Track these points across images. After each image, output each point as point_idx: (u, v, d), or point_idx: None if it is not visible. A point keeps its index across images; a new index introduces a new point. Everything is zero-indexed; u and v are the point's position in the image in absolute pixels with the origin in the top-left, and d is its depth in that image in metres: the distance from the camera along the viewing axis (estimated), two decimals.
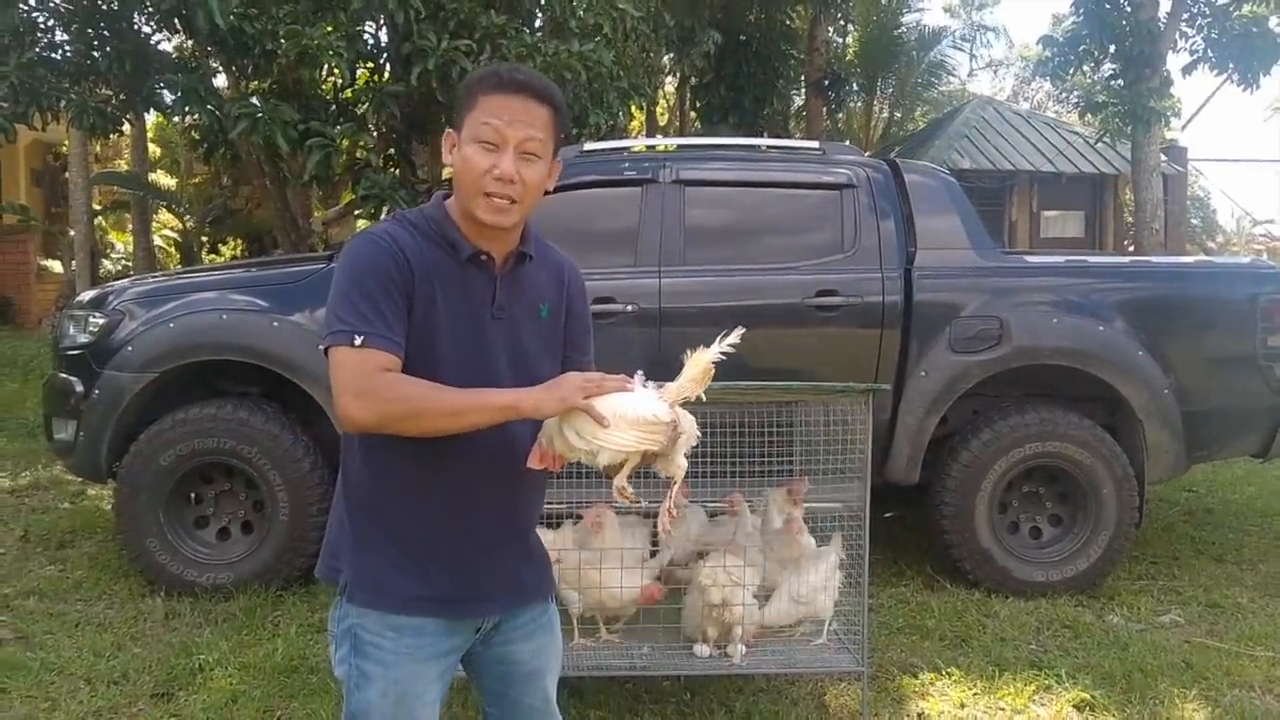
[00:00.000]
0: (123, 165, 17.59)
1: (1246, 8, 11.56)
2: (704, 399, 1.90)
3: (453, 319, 1.96)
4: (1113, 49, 11.70)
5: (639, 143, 5.74)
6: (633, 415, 1.82)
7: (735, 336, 1.89)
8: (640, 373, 1.94)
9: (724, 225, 5.26)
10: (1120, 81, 11.87)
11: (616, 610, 3.72)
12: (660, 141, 5.96)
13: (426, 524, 2.01)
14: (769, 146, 5.96)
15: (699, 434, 1.94)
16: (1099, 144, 15.14)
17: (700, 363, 1.86)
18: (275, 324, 4.91)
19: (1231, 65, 11.47)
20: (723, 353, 1.87)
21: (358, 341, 1.85)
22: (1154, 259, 7.01)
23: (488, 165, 1.92)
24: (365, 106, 7.23)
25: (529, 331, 2.06)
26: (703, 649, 3.64)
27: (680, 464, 1.90)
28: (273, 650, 4.20)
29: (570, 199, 5.07)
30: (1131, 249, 16.31)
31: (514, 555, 2.12)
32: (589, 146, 5.52)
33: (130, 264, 15.38)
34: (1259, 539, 6.16)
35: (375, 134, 7.32)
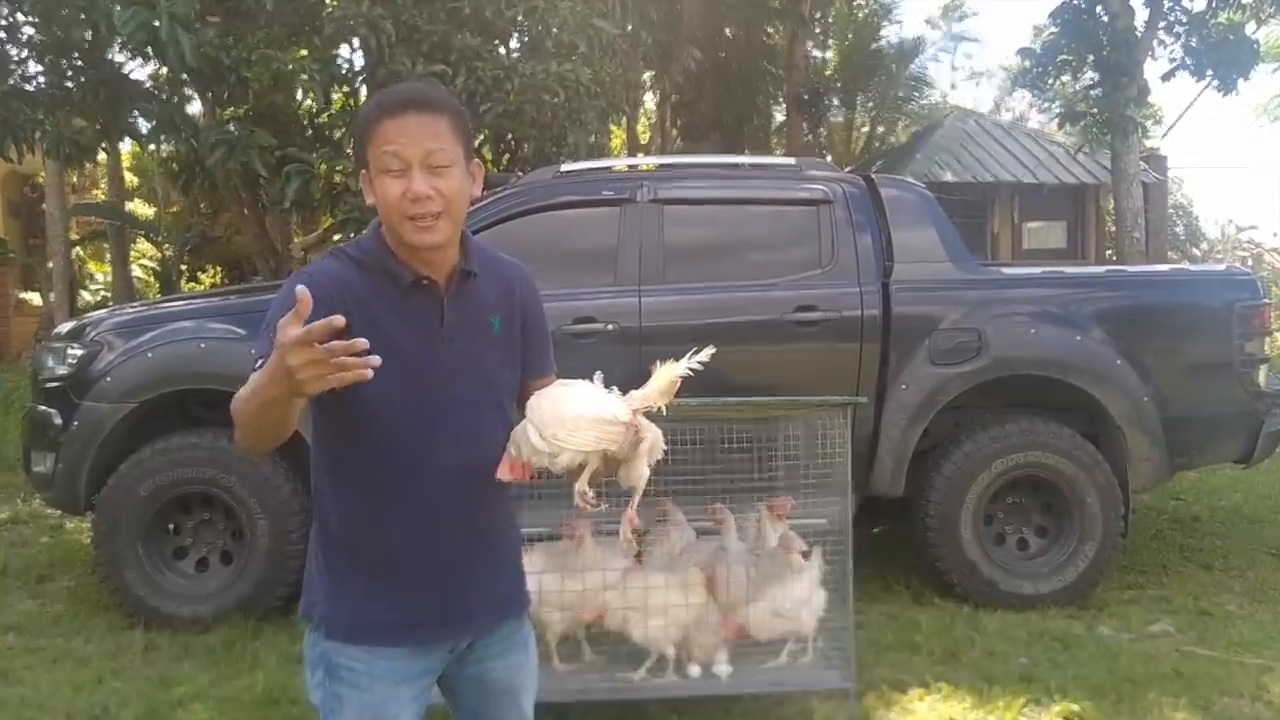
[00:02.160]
0: (100, 195, 17.55)
1: (1223, 14, 11.64)
2: (664, 411, 1.88)
3: (402, 347, 1.93)
4: (1091, 58, 11.77)
5: (617, 162, 5.75)
6: (592, 414, 1.82)
7: (705, 354, 1.86)
8: (599, 374, 1.93)
9: (703, 243, 5.26)
10: (1099, 91, 11.93)
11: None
12: (638, 161, 5.96)
13: (400, 551, 2.00)
14: (746, 164, 5.97)
15: (665, 447, 1.93)
16: (1080, 154, 15.24)
17: (667, 375, 1.85)
18: (253, 352, 4.86)
19: (1210, 71, 11.54)
20: (691, 369, 1.85)
21: (258, 365, 1.79)
22: (1129, 268, 7.05)
23: (400, 191, 1.88)
24: (342, 131, 7.21)
25: (483, 348, 2.04)
26: (694, 669, 3.63)
27: (642, 473, 1.89)
28: (253, 682, 4.16)
29: (549, 219, 5.09)
30: (1113, 258, 16.41)
31: (492, 570, 2.10)
32: (566, 167, 5.52)
33: (109, 294, 15.32)
34: (1247, 546, 6.16)
35: (353, 158, 7.30)
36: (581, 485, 1.86)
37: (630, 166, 5.94)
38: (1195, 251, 28.24)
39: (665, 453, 1.94)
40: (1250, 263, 27.24)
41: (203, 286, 17.36)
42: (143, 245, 17.76)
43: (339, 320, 1.58)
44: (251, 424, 1.75)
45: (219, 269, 17.19)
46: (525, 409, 1.93)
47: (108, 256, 15.91)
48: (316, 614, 2.02)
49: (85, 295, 16.32)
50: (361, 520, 2.00)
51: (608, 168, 5.94)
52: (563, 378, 2.10)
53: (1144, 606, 5.09)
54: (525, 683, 2.21)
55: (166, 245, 16.10)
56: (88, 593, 5.27)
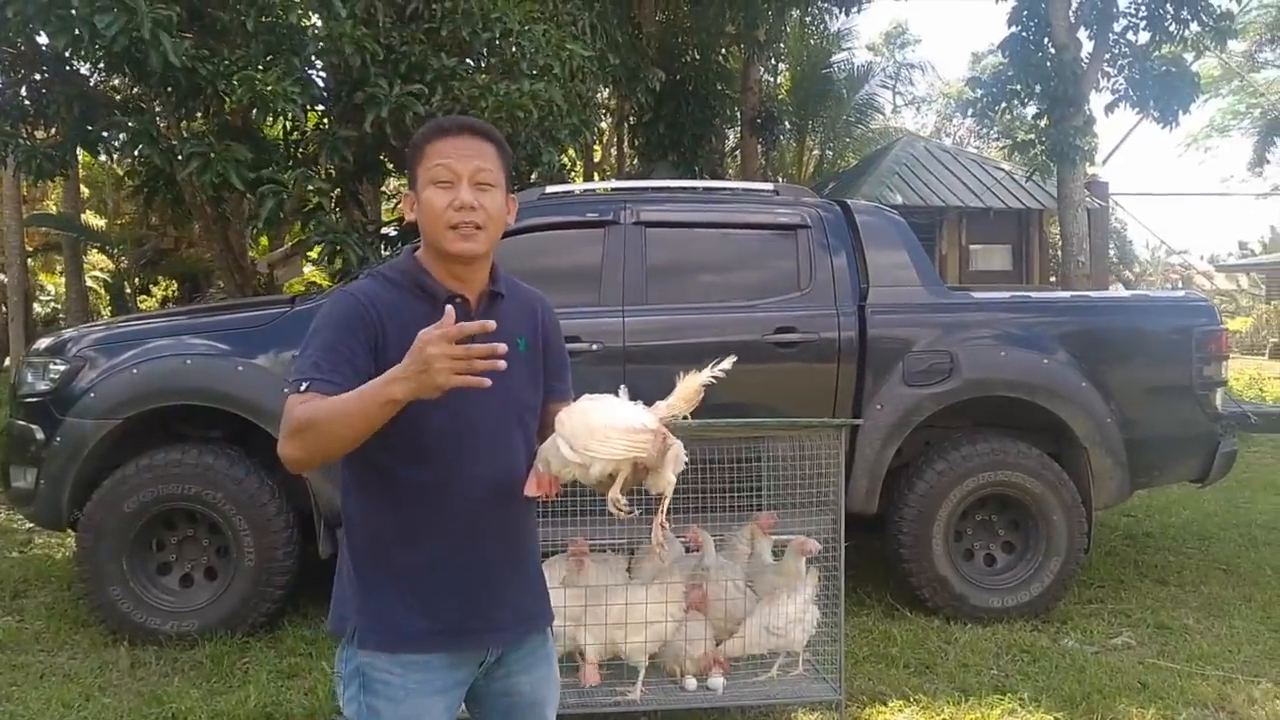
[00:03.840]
0: (51, 206, 17.28)
1: (1166, 48, 12.01)
2: (688, 417, 1.95)
3: None
4: (1038, 89, 12.09)
5: (602, 185, 5.84)
6: (622, 424, 1.90)
7: (727, 363, 1.94)
8: (624, 389, 2.02)
9: (685, 265, 5.36)
10: (1045, 120, 12.26)
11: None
12: (622, 184, 6.05)
13: (430, 560, 2.06)
14: (726, 188, 6.10)
15: (686, 458, 2.01)
16: (1026, 180, 15.60)
17: (691, 384, 1.93)
18: (240, 368, 4.90)
19: (1151, 104, 11.90)
20: (714, 377, 1.93)
21: (303, 388, 1.93)
22: (1093, 294, 7.27)
23: (447, 200, 2.03)
24: (316, 150, 7.23)
25: (509, 366, 2.05)
26: (690, 681, 3.71)
27: (669, 479, 1.97)
28: (245, 697, 4.18)
29: (534, 240, 5.16)
30: (1055, 281, 16.81)
31: (517, 583, 2.18)
32: (550, 189, 5.60)
33: (60, 307, 15.07)
34: (1199, 561, 6.39)
35: (326, 177, 7.32)
36: (614, 494, 1.94)
37: (619, 189, 6.00)
38: (1128, 274, 29.03)
39: None
40: (1180, 284, 28.10)
41: (155, 299, 17.14)
42: (94, 257, 17.49)
43: (490, 324, 1.77)
44: (339, 432, 1.85)
45: (173, 282, 16.98)
46: (554, 424, 1.99)
47: (58, 268, 15.65)
48: (349, 627, 2.08)
49: (36, 307, 16.04)
50: (391, 532, 2.07)
51: (592, 190, 6.04)
52: None
53: (1105, 620, 5.27)
54: (549, 696, 2.28)
55: (121, 258, 15.87)
56: (66, 608, 5.25)
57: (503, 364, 1.77)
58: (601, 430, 1.89)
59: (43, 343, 5.39)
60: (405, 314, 2.03)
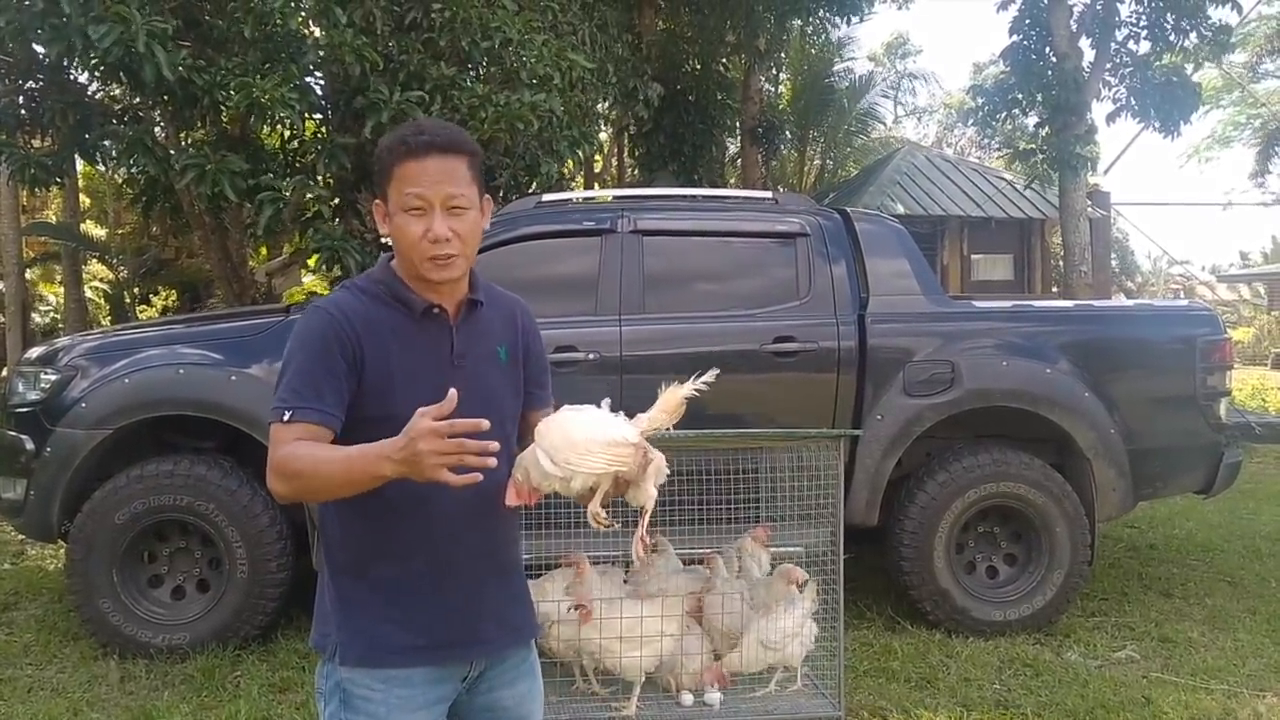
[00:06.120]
0: (50, 216, 17.24)
1: (1167, 58, 11.96)
2: (671, 430, 1.93)
3: (413, 373, 2.00)
4: (1039, 97, 12.04)
5: (600, 193, 5.80)
6: (602, 438, 1.87)
7: (710, 376, 1.92)
8: (606, 400, 1.99)
9: (682, 273, 5.32)
10: (1047, 129, 12.21)
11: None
12: (619, 193, 6.01)
13: (412, 573, 2.02)
14: (725, 197, 6.06)
15: (668, 471, 1.98)
16: (1026, 189, 15.53)
17: (673, 397, 1.91)
18: (233, 378, 4.85)
19: (1153, 113, 11.84)
20: (696, 389, 1.91)
21: (286, 418, 1.91)
22: (1096, 303, 7.22)
23: (421, 231, 1.97)
24: (314, 158, 7.19)
25: (490, 375, 2.10)
26: (686, 697, 3.66)
27: (650, 493, 1.94)
28: (235, 711, 4.12)
29: (531, 249, 5.13)
30: (1057, 291, 16.74)
31: (501, 594, 2.14)
32: (547, 197, 5.55)
33: (59, 316, 15.02)
34: (1203, 574, 6.32)
35: (324, 185, 7.27)
36: (594, 507, 1.91)
37: (619, 198, 5.93)
38: (1130, 284, 28.99)
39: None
40: (1182, 295, 28.08)
41: (155, 309, 17.10)
42: (94, 267, 17.46)
43: (484, 423, 1.73)
44: (326, 490, 1.91)
45: (173, 292, 16.94)
46: (534, 436, 1.96)
47: (58, 278, 15.61)
48: (330, 644, 2.04)
49: (35, 317, 15.99)
50: (372, 545, 2.03)
51: (588, 198, 5.99)
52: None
53: (1108, 633, 5.21)
54: (534, 711, 2.24)
55: (121, 268, 15.83)
56: (56, 621, 5.20)
57: (493, 461, 1.75)
58: (583, 443, 1.87)
59: (34, 352, 5.35)
60: (382, 325, 2.01)
